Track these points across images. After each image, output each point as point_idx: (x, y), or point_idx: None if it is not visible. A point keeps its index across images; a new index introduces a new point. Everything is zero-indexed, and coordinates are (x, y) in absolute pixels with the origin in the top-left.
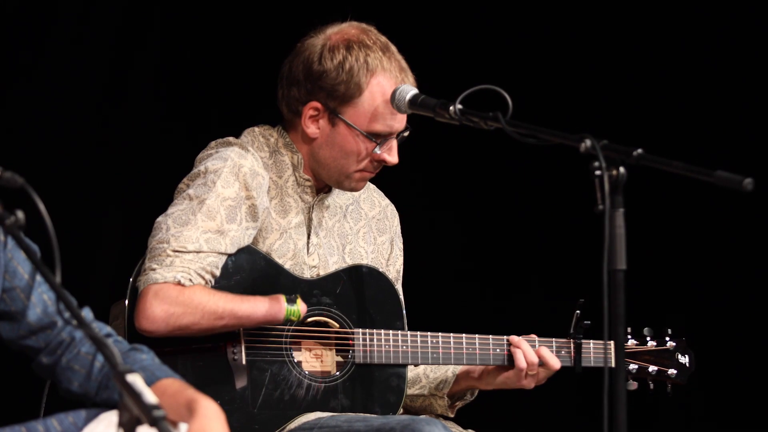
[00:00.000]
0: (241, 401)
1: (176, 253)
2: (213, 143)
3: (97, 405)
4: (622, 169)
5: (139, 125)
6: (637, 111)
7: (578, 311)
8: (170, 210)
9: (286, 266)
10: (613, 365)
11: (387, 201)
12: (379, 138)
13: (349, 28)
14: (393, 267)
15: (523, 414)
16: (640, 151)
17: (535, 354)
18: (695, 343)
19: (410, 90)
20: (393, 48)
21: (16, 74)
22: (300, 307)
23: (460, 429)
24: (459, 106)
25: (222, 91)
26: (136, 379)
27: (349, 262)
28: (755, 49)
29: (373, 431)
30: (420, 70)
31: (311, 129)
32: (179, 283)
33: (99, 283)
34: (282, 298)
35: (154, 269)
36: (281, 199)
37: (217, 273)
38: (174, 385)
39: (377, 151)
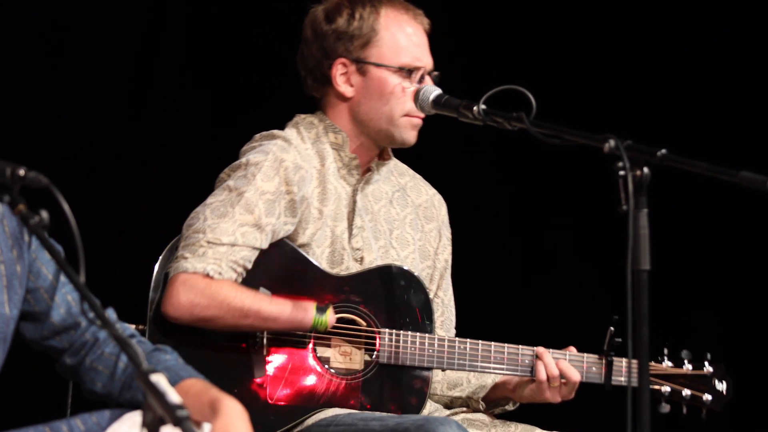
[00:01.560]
0: (258, 391)
1: (210, 245)
2: (257, 136)
3: (120, 405)
4: (645, 170)
5: (161, 125)
6: (661, 111)
7: (612, 328)
8: (209, 200)
9: (325, 254)
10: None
11: (434, 190)
12: (411, 71)
13: None
14: (441, 256)
15: (553, 408)
16: (664, 151)
17: (556, 367)
18: (721, 345)
19: (434, 90)
20: None
21: (37, 75)
22: (329, 318)
23: (501, 422)
24: (483, 107)
25: (247, 83)
26: (159, 379)
27: (396, 247)
28: None
29: (388, 430)
30: (444, 70)
31: (345, 87)
32: (208, 275)
33: (123, 283)
34: (312, 306)
35: (186, 258)
36: (323, 188)
37: (249, 267)
38: (197, 384)
39: (414, 85)
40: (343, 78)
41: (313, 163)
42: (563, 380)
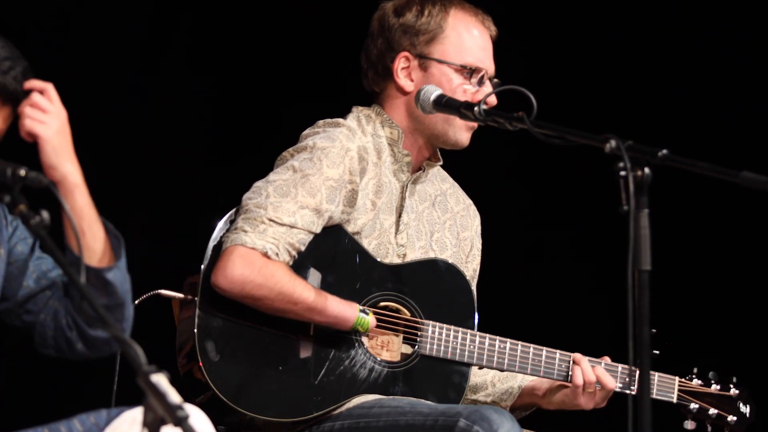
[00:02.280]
0: (302, 371)
1: (271, 222)
2: (321, 122)
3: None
4: (647, 170)
5: (162, 125)
6: (662, 111)
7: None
8: (272, 177)
9: (371, 246)
10: (673, 400)
11: (470, 201)
12: (473, 73)
13: None
14: (470, 265)
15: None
16: (665, 151)
17: (593, 373)
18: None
19: (435, 90)
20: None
21: (38, 75)
22: (371, 320)
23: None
24: (483, 107)
25: (253, 84)
26: (160, 379)
27: (436, 249)
28: None
29: (437, 414)
30: None
31: (405, 81)
32: (266, 254)
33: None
34: (357, 306)
35: (246, 231)
36: (379, 180)
37: (303, 249)
38: None
39: (474, 86)
40: (404, 72)
41: (372, 155)
42: (598, 387)
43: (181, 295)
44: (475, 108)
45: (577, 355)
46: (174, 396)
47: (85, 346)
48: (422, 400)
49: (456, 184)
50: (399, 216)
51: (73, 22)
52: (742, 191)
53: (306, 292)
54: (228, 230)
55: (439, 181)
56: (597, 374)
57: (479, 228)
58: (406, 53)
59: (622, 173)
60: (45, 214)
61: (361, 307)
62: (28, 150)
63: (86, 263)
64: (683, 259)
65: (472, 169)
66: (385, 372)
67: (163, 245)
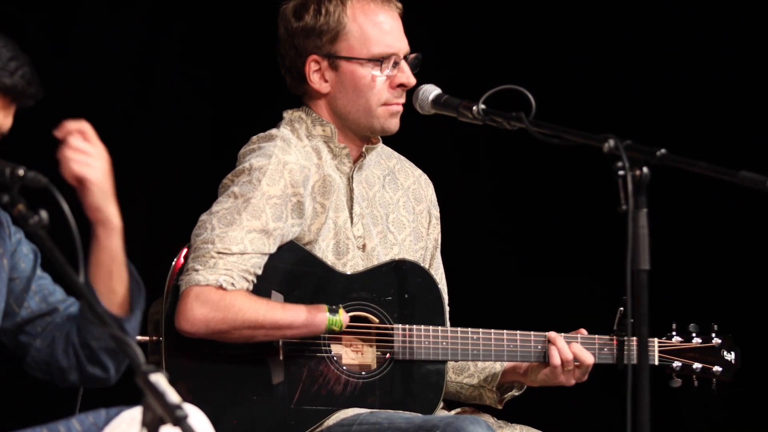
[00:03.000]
0: (278, 397)
1: (220, 255)
2: (254, 138)
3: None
4: (645, 169)
5: (161, 125)
6: (661, 111)
7: (621, 308)
8: (215, 208)
9: (330, 246)
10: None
11: (419, 171)
12: (383, 61)
13: None
14: (431, 236)
15: (557, 410)
16: (663, 151)
17: (569, 351)
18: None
19: (433, 90)
20: None
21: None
22: (342, 317)
23: (505, 423)
24: (482, 106)
25: (247, 83)
26: (159, 379)
27: (393, 231)
28: None
29: (415, 428)
30: (443, 70)
31: (320, 84)
32: (221, 287)
33: None
34: (324, 308)
35: (197, 270)
36: (323, 181)
37: (260, 273)
38: None
39: (387, 73)
40: (317, 75)
41: (312, 158)
42: (577, 363)
43: (146, 338)
44: (474, 107)
45: (552, 334)
46: (173, 396)
47: (80, 378)
48: (400, 413)
49: (402, 158)
50: (351, 208)
51: (72, 23)
52: (741, 191)
53: (270, 312)
54: (181, 272)
55: (384, 159)
56: (574, 351)
57: (434, 196)
58: (314, 56)
59: (621, 173)
60: (44, 214)
61: (329, 307)
62: (27, 149)
63: (107, 307)
64: (682, 258)
65: (469, 167)
66: (360, 384)
67: (161, 243)
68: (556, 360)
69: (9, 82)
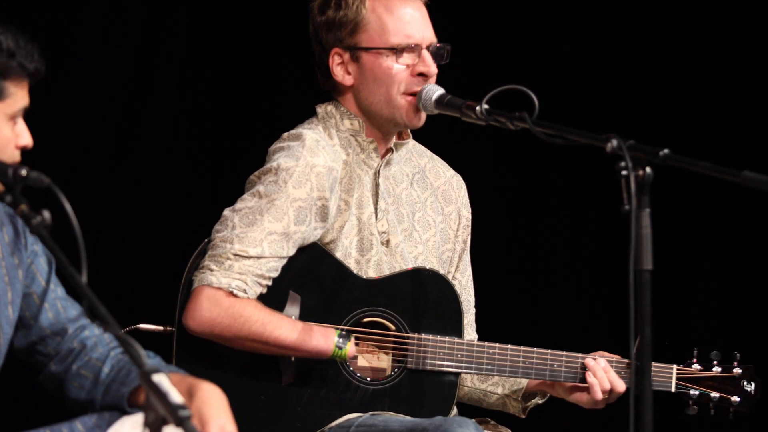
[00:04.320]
0: (285, 398)
1: (237, 257)
2: (285, 135)
3: (101, 410)
4: (648, 169)
5: (164, 123)
6: (664, 111)
7: (639, 336)
8: (239, 205)
9: (353, 243)
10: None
11: (452, 172)
12: (404, 51)
13: None
14: (460, 237)
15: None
16: (666, 151)
17: (608, 381)
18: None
19: (437, 90)
20: None
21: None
22: (349, 350)
23: (495, 424)
24: (485, 106)
25: (248, 89)
26: (162, 379)
27: (419, 230)
28: None
29: (406, 431)
30: (446, 70)
31: (343, 77)
32: (232, 293)
33: (125, 284)
34: (333, 336)
35: (212, 270)
36: (349, 177)
37: (276, 275)
38: (177, 376)
39: (407, 62)
40: (340, 68)
41: (341, 156)
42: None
43: (160, 328)
44: (477, 108)
45: (590, 363)
46: (175, 396)
47: (96, 410)
48: (399, 416)
49: (435, 157)
50: (376, 203)
51: (70, 27)
52: (744, 191)
53: (277, 331)
54: (197, 267)
55: (416, 157)
56: (610, 380)
57: (466, 198)
58: (336, 49)
59: (624, 173)
60: (46, 214)
61: (337, 338)
62: (29, 150)
63: None
64: (685, 258)
65: (472, 167)
66: (370, 391)
67: (163, 243)
68: (598, 395)
69: (32, 68)
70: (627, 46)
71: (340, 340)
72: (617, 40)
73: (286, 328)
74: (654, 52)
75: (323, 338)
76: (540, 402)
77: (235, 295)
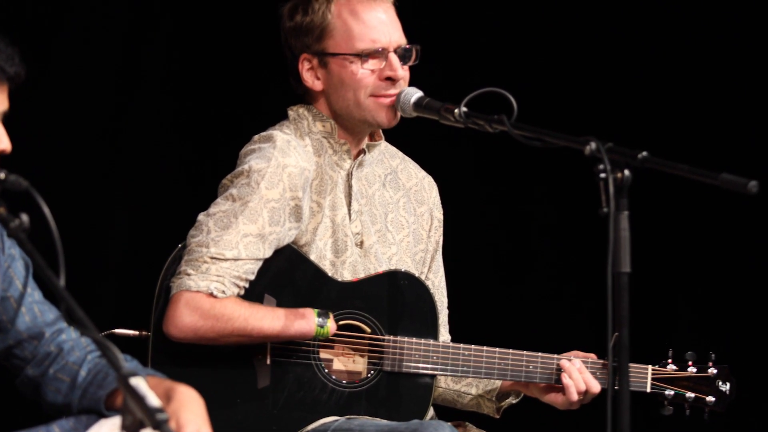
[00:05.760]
0: (261, 401)
1: (213, 260)
2: (256, 137)
3: (78, 413)
4: (626, 172)
5: (145, 127)
6: (642, 113)
7: (616, 333)
8: (212, 209)
9: (328, 245)
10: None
11: (424, 173)
12: (370, 56)
13: None
14: (433, 238)
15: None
16: (645, 153)
17: (583, 382)
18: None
19: (415, 93)
20: None
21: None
22: (330, 327)
23: (475, 428)
24: (464, 109)
25: (230, 91)
26: (139, 382)
27: (392, 230)
28: (760, 52)
29: None
30: (425, 72)
31: (312, 82)
32: (212, 295)
33: (104, 288)
34: (313, 316)
35: (189, 275)
36: (321, 179)
37: (253, 278)
38: (154, 379)
39: (373, 67)
40: (310, 73)
41: (313, 157)
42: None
43: (136, 333)
44: (456, 111)
45: (565, 365)
46: (153, 399)
47: (73, 413)
48: (375, 420)
49: (407, 159)
50: (349, 204)
51: (53, 31)
52: (722, 193)
53: (260, 323)
54: (174, 273)
55: (388, 158)
56: (585, 381)
57: (437, 198)
58: (305, 55)
59: (602, 175)
60: (24, 218)
61: (317, 317)
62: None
63: None
64: (661, 260)
65: (450, 171)
66: (346, 394)
67: (143, 247)
68: (573, 396)
69: (12, 71)
70: (606, 49)
71: (320, 319)
72: (596, 42)
73: (268, 318)
74: (632, 54)
75: (304, 321)
76: (514, 402)
77: (215, 296)
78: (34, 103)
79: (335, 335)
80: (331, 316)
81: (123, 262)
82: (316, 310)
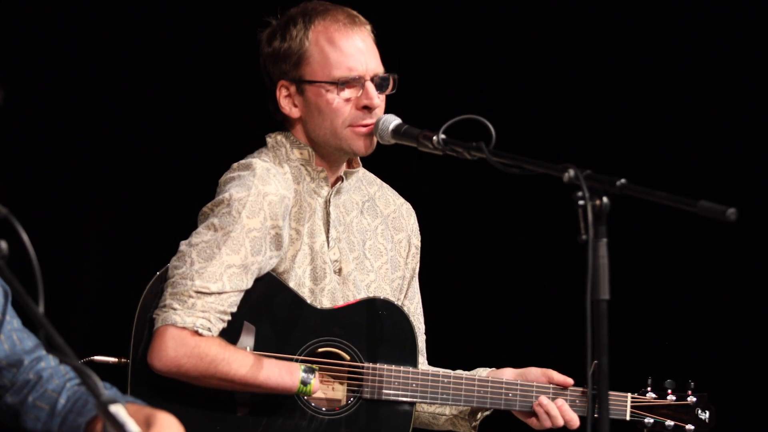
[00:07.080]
0: (242, 428)
1: (198, 294)
2: (235, 165)
3: None
4: (605, 199)
5: (122, 154)
6: (621, 141)
7: (596, 361)
8: (195, 239)
9: (307, 273)
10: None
11: (402, 200)
12: (346, 84)
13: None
14: (410, 265)
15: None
16: (623, 181)
17: (561, 420)
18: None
19: (393, 120)
20: (339, 7)
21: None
22: (314, 385)
23: None
24: (442, 136)
25: (203, 120)
26: (119, 410)
27: (370, 258)
28: (737, 78)
29: None
30: (403, 99)
31: (290, 109)
32: (197, 333)
33: (81, 315)
34: (298, 372)
35: (175, 309)
36: (300, 207)
37: (235, 310)
38: (134, 406)
39: (349, 96)
40: (287, 100)
41: (292, 184)
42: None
43: (115, 360)
44: (434, 138)
45: (544, 401)
46: (132, 426)
47: None
48: None
49: (385, 185)
50: (327, 232)
51: (27, 58)
52: (701, 220)
53: (243, 369)
54: (158, 306)
55: (366, 185)
56: (565, 419)
57: (415, 225)
58: (282, 82)
59: (581, 203)
60: (3, 244)
61: (302, 373)
62: None
63: None
64: (641, 287)
65: (429, 196)
66: (326, 421)
67: (121, 276)
68: (547, 424)
69: None
70: (584, 77)
71: (305, 375)
72: (575, 69)
73: (252, 366)
74: (610, 81)
75: (288, 375)
76: (487, 413)
77: (200, 335)
78: (10, 129)
79: (315, 363)
80: (316, 374)
81: (100, 290)
82: (303, 366)
